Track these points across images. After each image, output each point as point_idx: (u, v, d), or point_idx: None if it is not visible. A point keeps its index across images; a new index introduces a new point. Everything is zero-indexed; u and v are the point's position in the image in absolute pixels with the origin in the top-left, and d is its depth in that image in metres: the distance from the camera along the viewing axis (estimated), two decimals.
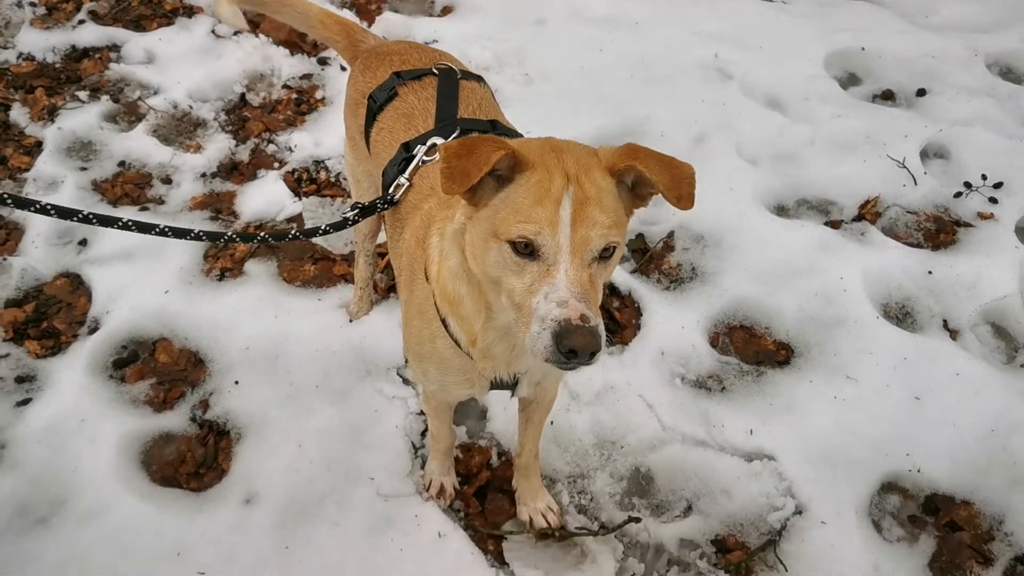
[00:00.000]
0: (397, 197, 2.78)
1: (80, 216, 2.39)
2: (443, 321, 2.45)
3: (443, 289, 2.37)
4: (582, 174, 1.98)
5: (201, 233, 2.57)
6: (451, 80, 3.00)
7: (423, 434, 3.69)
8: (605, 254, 2.00)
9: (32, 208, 2.31)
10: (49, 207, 2.34)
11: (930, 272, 4.45)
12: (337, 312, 4.18)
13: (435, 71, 3.04)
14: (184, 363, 3.96)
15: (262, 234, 2.74)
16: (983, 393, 3.89)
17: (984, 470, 3.63)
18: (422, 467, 3.59)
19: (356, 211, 2.85)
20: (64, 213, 2.35)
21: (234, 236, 2.64)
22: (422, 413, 3.74)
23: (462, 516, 3.48)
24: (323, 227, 2.82)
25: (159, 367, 3.94)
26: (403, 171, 2.76)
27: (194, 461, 3.61)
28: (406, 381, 3.88)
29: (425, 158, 2.74)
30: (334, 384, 3.85)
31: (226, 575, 3.20)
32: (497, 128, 2.84)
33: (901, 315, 4.33)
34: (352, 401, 3.78)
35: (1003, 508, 3.53)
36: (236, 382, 3.84)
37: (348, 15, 6.14)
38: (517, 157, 1.98)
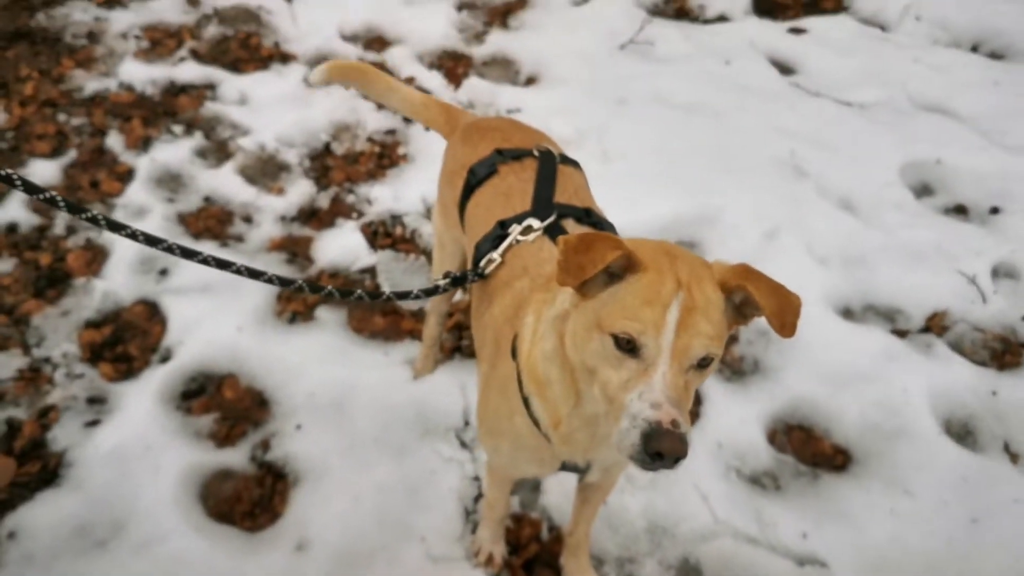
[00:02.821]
0: (488, 271, 2.85)
1: (165, 245, 2.47)
2: (525, 400, 2.48)
3: (532, 369, 2.40)
4: (693, 283, 2.00)
5: (274, 277, 2.64)
6: (550, 163, 3.05)
7: (476, 499, 3.72)
8: (703, 363, 2.01)
9: (123, 232, 2.42)
10: (139, 233, 2.44)
11: (994, 393, 4.41)
12: (402, 367, 4.23)
13: (535, 153, 3.10)
14: (249, 401, 4.03)
15: (329, 288, 2.79)
16: None
17: None
18: (473, 532, 3.60)
19: (448, 280, 2.91)
20: (151, 240, 2.45)
21: (304, 285, 2.69)
22: (477, 478, 3.77)
23: None
24: (415, 292, 2.88)
25: (224, 403, 4.01)
26: (496, 247, 2.83)
27: (250, 500, 3.67)
28: (464, 444, 3.91)
29: (519, 237, 2.80)
30: (393, 439, 3.89)
31: None
32: (591, 217, 2.89)
33: (963, 433, 4.28)
34: (410, 458, 3.82)
35: None
36: (298, 426, 3.90)
37: (436, 76, 6.32)
38: (632, 258, 2.02)
